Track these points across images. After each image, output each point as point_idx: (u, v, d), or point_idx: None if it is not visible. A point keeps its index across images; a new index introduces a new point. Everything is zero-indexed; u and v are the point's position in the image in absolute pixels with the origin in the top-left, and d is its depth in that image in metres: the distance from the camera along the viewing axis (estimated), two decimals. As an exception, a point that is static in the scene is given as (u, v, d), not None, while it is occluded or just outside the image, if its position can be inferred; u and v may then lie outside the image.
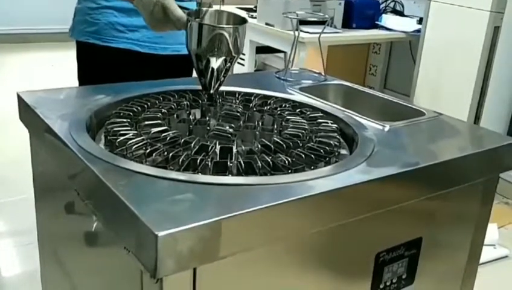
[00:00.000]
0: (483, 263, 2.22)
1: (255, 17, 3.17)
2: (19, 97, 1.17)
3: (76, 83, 1.52)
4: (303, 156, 0.94)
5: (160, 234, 0.66)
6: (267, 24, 3.02)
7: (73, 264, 1.08)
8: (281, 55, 4.31)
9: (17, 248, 2.34)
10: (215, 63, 1.10)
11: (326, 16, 1.63)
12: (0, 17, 5.44)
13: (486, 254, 2.29)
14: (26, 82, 4.36)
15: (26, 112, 1.13)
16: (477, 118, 2.92)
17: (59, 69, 4.57)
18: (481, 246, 1.21)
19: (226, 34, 1.07)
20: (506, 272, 2.36)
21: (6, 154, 3.08)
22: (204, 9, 1.16)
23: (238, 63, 3.27)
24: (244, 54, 3.35)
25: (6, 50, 5.26)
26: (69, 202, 1.02)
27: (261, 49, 3.59)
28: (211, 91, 1.15)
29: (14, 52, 5.31)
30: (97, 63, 1.48)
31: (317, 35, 1.55)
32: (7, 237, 2.46)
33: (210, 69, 1.11)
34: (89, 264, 0.99)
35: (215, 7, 1.21)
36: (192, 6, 1.20)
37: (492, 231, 2.38)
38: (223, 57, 1.10)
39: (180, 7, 1.15)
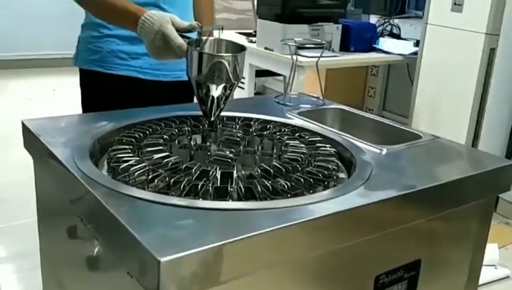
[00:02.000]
0: (484, 284, 2.22)
1: (255, 42, 3.21)
2: (23, 125, 1.18)
3: (78, 107, 1.54)
4: (302, 180, 0.95)
5: (163, 259, 0.68)
6: (266, 48, 3.06)
7: (76, 288, 1.09)
8: (281, 78, 4.34)
9: (20, 272, 2.34)
10: (215, 91, 1.12)
11: (323, 42, 1.66)
12: (2, 43, 5.50)
13: (488, 274, 2.28)
14: (29, 107, 4.41)
15: (30, 139, 1.15)
16: (475, 138, 2.94)
17: (61, 93, 4.62)
18: (480, 266, 1.21)
19: (225, 62, 1.09)
20: (507, 293, 2.35)
21: (10, 178, 3.09)
22: (204, 38, 1.19)
23: (239, 86, 3.29)
24: (244, 78, 3.38)
25: (9, 75, 5.32)
26: (71, 226, 1.03)
27: (261, 73, 3.62)
28: (212, 118, 1.17)
29: (17, 78, 5.36)
30: (100, 90, 1.50)
31: (316, 59, 1.58)
32: (10, 261, 2.46)
33: (210, 97, 1.13)
34: (92, 288, 1.00)
35: (215, 33, 1.24)
36: (193, 35, 1.23)
37: (493, 252, 2.38)
38: (223, 84, 1.12)
39: (182, 36, 1.18)
